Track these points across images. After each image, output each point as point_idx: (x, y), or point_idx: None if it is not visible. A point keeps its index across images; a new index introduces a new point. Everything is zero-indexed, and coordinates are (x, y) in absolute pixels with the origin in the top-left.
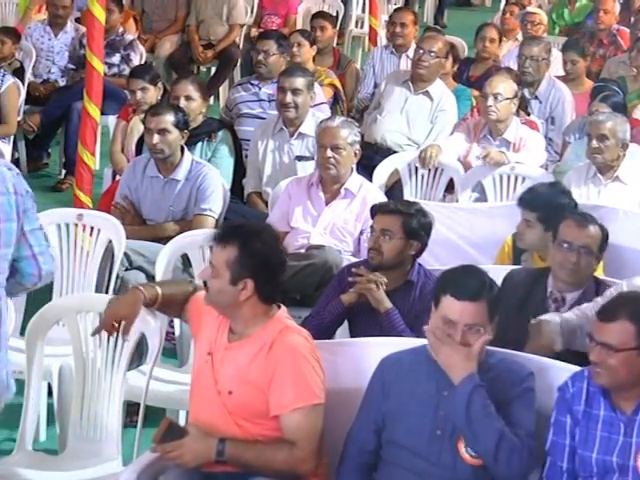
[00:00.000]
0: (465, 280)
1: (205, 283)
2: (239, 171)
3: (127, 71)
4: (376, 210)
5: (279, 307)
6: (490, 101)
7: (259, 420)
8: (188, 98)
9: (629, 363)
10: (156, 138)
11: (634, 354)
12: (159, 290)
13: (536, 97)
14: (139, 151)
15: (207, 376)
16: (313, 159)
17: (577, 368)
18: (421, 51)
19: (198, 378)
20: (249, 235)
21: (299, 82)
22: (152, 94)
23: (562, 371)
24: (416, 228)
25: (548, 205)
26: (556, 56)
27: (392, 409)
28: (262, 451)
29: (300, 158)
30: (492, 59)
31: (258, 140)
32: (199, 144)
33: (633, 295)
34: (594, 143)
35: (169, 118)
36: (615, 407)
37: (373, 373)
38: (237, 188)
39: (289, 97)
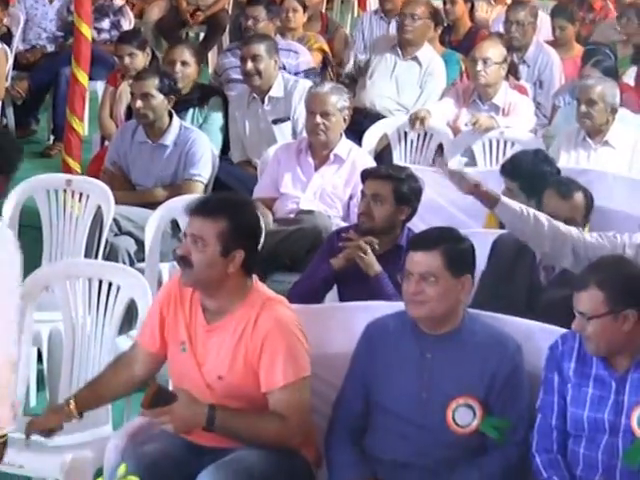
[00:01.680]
0: (423, 234)
1: (183, 260)
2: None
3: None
4: (367, 175)
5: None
6: (479, 65)
7: (249, 399)
8: (184, 63)
9: (605, 329)
10: (139, 103)
11: (608, 320)
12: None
13: (524, 61)
14: (129, 117)
15: (188, 362)
16: (289, 119)
17: (562, 330)
18: (404, 16)
19: (176, 365)
20: (238, 207)
21: (257, 48)
22: (140, 60)
23: (548, 334)
24: (407, 193)
25: (530, 174)
26: (544, 20)
27: (378, 373)
28: (254, 422)
29: (275, 121)
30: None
31: (235, 111)
32: (190, 110)
33: (602, 262)
34: (583, 108)
35: (153, 82)
36: (608, 365)
37: (359, 338)
38: (228, 151)
39: (250, 65)
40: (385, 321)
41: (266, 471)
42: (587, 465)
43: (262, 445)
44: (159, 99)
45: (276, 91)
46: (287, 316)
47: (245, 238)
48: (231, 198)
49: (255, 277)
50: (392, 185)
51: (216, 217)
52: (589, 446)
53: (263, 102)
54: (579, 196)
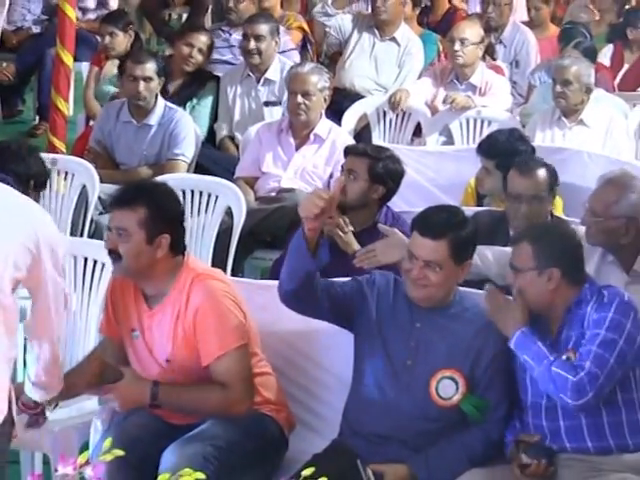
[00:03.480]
0: (432, 218)
1: (112, 253)
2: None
3: None
4: (348, 151)
5: (183, 254)
6: (457, 45)
7: (199, 376)
8: (200, 50)
9: (531, 284)
10: (142, 86)
11: (534, 275)
12: None
13: (501, 41)
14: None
15: (140, 348)
16: (280, 104)
17: None
18: None
19: (131, 353)
20: (154, 192)
21: (262, 28)
22: (121, 40)
23: None
24: (381, 173)
25: (506, 152)
26: (520, 1)
27: (367, 322)
28: (195, 393)
29: (267, 104)
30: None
31: (227, 86)
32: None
33: (540, 222)
34: (558, 88)
35: (153, 66)
36: (546, 327)
37: (364, 276)
38: (209, 134)
39: (252, 44)
40: (388, 277)
41: (232, 440)
42: (537, 433)
43: (208, 414)
44: (156, 82)
45: (272, 74)
46: (216, 288)
47: (167, 221)
48: (147, 185)
49: (187, 253)
50: (368, 162)
51: (134, 206)
52: (535, 414)
53: (258, 82)
54: (542, 171)
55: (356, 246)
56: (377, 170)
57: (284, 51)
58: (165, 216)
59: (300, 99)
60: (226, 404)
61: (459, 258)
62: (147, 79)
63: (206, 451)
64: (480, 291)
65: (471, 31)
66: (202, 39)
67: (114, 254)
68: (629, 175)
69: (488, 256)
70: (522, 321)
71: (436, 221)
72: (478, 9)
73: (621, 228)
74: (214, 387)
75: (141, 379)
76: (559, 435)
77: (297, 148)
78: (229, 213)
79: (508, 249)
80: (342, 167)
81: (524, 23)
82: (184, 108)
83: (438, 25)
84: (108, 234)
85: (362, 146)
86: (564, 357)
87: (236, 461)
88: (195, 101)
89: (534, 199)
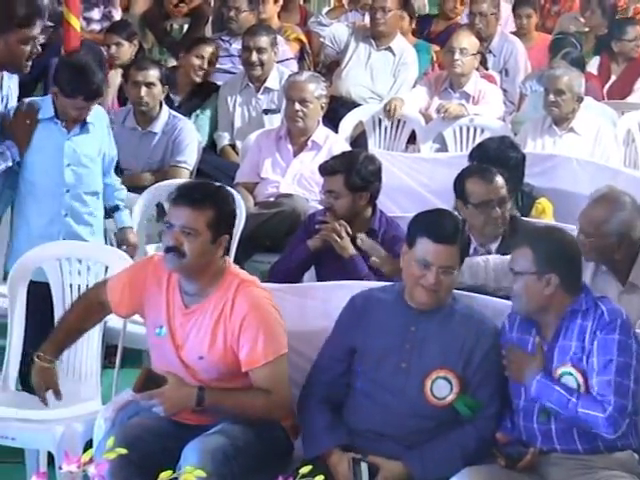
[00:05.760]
0: (441, 224)
1: (175, 250)
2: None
3: None
4: (321, 172)
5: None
6: (457, 55)
7: (229, 378)
8: (210, 62)
9: (529, 288)
10: (144, 91)
11: (532, 279)
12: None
13: (490, 51)
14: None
15: (165, 345)
16: (279, 112)
17: None
18: (374, 10)
19: (153, 347)
20: (220, 195)
21: (263, 41)
22: (126, 50)
23: None
24: (359, 181)
25: (496, 159)
26: (506, 11)
27: (361, 340)
28: (241, 399)
29: (267, 111)
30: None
31: (227, 95)
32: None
33: (539, 228)
34: (551, 97)
35: (156, 73)
36: (540, 332)
37: (344, 307)
38: (210, 141)
39: (254, 56)
40: (371, 293)
41: (249, 441)
42: (529, 435)
43: (250, 419)
44: (159, 88)
45: (272, 83)
46: (262, 297)
47: (229, 223)
48: (212, 187)
49: (227, 258)
50: (342, 178)
51: (204, 207)
52: (526, 416)
53: (258, 91)
54: (498, 176)
55: (352, 251)
56: (354, 181)
57: (282, 60)
58: (228, 218)
59: (298, 106)
60: (270, 408)
61: (463, 259)
62: (149, 85)
63: (226, 449)
64: (471, 294)
65: (469, 41)
66: (209, 50)
67: (177, 251)
68: (616, 191)
69: (489, 264)
70: (538, 370)
71: (447, 227)
72: (465, 20)
73: (613, 245)
74: (258, 392)
75: (186, 384)
76: (550, 437)
77: (295, 154)
78: None
79: (506, 257)
80: (322, 187)
81: (512, 33)
82: (189, 118)
83: (438, 36)
84: (170, 231)
85: (331, 164)
86: (562, 370)
87: (251, 462)
88: (199, 111)
89: (500, 201)
